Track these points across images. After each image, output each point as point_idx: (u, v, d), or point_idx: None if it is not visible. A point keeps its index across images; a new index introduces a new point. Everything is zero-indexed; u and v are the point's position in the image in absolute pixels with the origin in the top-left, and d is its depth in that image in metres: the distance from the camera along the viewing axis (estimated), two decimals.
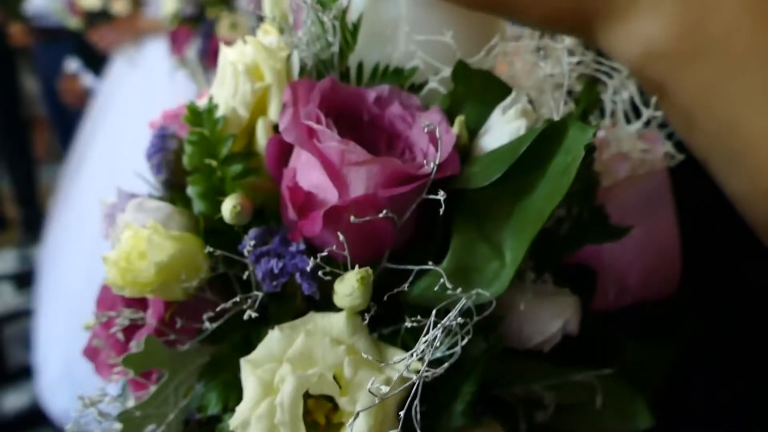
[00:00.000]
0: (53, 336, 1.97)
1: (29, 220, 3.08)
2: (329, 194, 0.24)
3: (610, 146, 0.29)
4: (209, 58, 1.26)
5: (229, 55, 0.28)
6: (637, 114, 0.30)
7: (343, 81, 0.29)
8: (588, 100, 0.26)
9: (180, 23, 1.28)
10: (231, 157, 0.28)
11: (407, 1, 0.29)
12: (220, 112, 0.28)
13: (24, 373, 2.11)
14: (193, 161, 0.29)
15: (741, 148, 0.25)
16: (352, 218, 0.22)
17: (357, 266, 0.23)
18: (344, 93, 0.27)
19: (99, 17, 1.81)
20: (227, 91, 0.28)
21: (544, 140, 0.22)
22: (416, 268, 0.24)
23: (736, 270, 0.33)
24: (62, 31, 2.40)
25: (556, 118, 0.27)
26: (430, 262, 0.23)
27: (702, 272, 0.31)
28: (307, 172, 0.25)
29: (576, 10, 0.26)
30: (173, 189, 0.33)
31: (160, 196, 0.32)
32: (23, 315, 2.46)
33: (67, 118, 2.63)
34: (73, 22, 1.84)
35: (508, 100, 0.25)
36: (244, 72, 0.28)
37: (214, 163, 0.28)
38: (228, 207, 0.25)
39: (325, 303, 0.26)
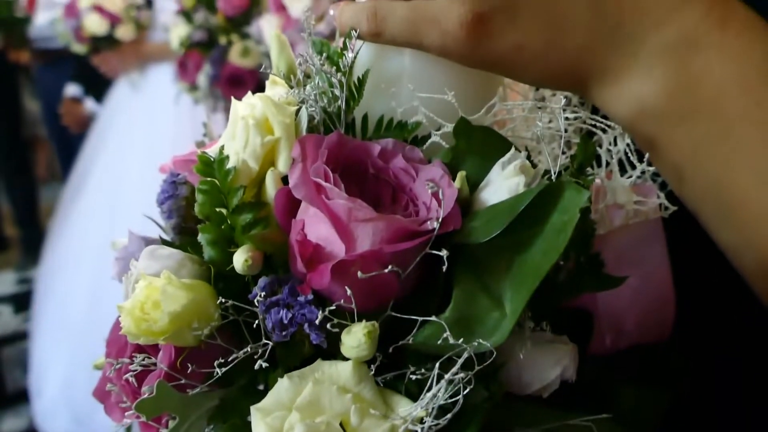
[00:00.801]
0: (51, 359, 1.97)
1: (29, 241, 3.09)
2: (336, 247, 0.25)
3: (606, 196, 0.30)
4: (220, 84, 1.27)
5: (240, 110, 0.30)
6: (632, 164, 0.32)
7: (349, 132, 0.31)
8: (584, 155, 0.28)
9: (189, 49, 1.30)
10: (241, 207, 0.29)
11: (411, 57, 0.31)
12: (230, 164, 0.29)
13: (22, 397, 2.10)
14: (204, 210, 0.30)
15: (730, 203, 0.27)
16: (359, 274, 0.23)
17: (364, 319, 0.24)
18: (350, 146, 0.29)
19: (104, 42, 1.84)
20: (238, 143, 0.29)
21: (542, 199, 0.24)
22: (420, 318, 0.25)
23: (729, 315, 0.34)
24: (64, 53, 2.43)
25: (554, 170, 0.28)
26: (433, 315, 0.24)
27: (696, 317, 0.32)
28: (315, 225, 0.26)
29: (572, 70, 0.28)
30: (184, 234, 0.34)
31: (172, 242, 0.33)
32: (22, 337, 2.45)
33: (68, 139, 2.65)
34: (79, 48, 1.87)
35: (507, 156, 0.27)
36: (255, 126, 0.29)
37: (224, 212, 0.30)
38: (239, 261, 0.26)
39: (331, 347, 0.27)
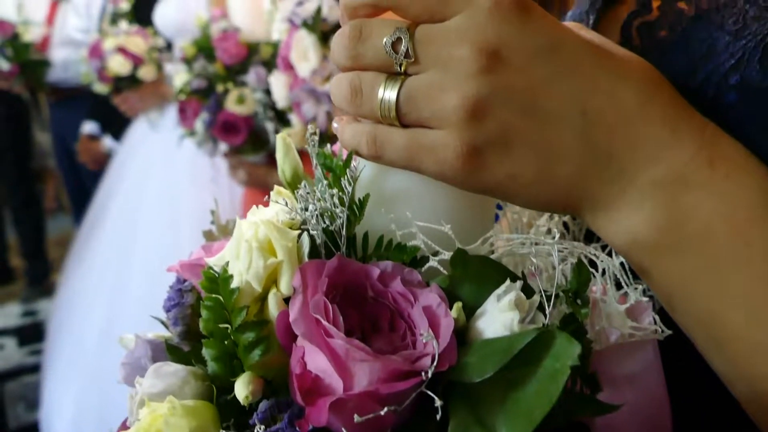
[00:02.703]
0: (63, 393, 1.96)
1: (34, 273, 3.10)
2: (335, 382, 0.26)
3: (601, 314, 0.30)
4: (216, 130, 1.30)
5: (245, 233, 0.31)
6: (628, 270, 0.32)
7: (350, 247, 0.32)
8: (579, 282, 0.28)
9: (189, 95, 1.32)
10: (244, 326, 0.30)
11: (410, 176, 0.32)
12: (235, 283, 0.30)
13: None
14: (208, 326, 0.31)
15: (720, 336, 0.27)
16: (355, 417, 0.24)
17: None
18: (351, 270, 0.30)
19: (126, 82, 1.88)
20: (242, 264, 0.30)
21: (535, 342, 0.24)
22: None
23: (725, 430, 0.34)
24: (76, 90, 2.48)
25: (552, 290, 0.29)
26: None
27: None
28: (314, 355, 0.27)
29: (564, 198, 0.28)
30: (189, 339, 0.34)
31: (177, 347, 0.34)
32: (26, 371, 2.45)
33: (77, 172, 2.68)
34: (102, 87, 1.91)
35: (503, 288, 0.27)
36: (258, 249, 0.30)
37: (228, 328, 0.30)
38: (241, 394, 0.27)
39: None
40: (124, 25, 1.96)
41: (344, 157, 0.34)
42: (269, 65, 1.26)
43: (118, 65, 1.84)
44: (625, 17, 0.36)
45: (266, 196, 1.17)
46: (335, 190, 0.31)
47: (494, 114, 0.27)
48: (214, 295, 0.31)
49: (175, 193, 1.91)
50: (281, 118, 1.15)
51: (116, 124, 2.19)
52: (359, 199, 0.31)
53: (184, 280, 0.36)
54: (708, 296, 0.27)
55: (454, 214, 0.32)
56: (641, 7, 0.35)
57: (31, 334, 2.68)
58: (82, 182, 2.71)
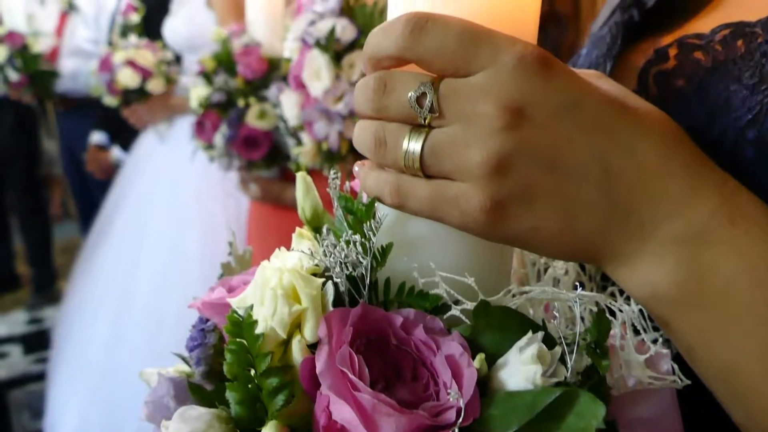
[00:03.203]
0: (67, 402, 1.96)
1: (40, 280, 3.11)
2: None
3: (620, 363, 0.31)
4: (236, 145, 1.30)
5: (270, 279, 0.31)
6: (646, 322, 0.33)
7: (372, 294, 0.32)
8: (598, 332, 0.29)
9: (207, 109, 1.33)
10: (268, 371, 0.30)
11: (431, 222, 0.32)
12: (259, 329, 0.31)
13: None
14: (233, 370, 0.31)
15: (740, 389, 0.28)
16: None
17: None
18: (374, 317, 0.30)
19: (135, 95, 1.89)
20: (267, 310, 0.31)
21: (560, 400, 0.25)
22: None
23: None
24: (84, 100, 2.50)
25: (570, 332, 0.29)
26: None
27: None
28: (340, 407, 0.27)
29: (586, 250, 0.29)
30: (212, 379, 0.35)
31: (200, 388, 0.35)
32: (31, 379, 2.46)
33: (84, 180, 2.70)
34: (111, 100, 1.92)
35: (525, 339, 0.28)
36: (283, 297, 0.30)
37: (251, 371, 0.31)
38: None
39: None
40: (133, 38, 1.98)
41: (364, 199, 0.34)
42: None
43: (127, 78, 1.85)
44: (642, 65, 0.36)
45: (274, 212, 1.16)
46: (358, 237, 0.32)
47: (517, 169, 0.27)
48: (238, 339, 0.32)
49: (181, 205, 1.92)
50: (291, 136, 1.16)
51: (124, 135, 2.20)
52: (382, 246, 0.32)
53: (207, 320, 0.36)
54: (728, 350, 0.27)
55: (474, 260, 0.32)
56: (658, 55, 0.36)
57: (37, 341, 2.68)
58: (89, 190, 2.73)
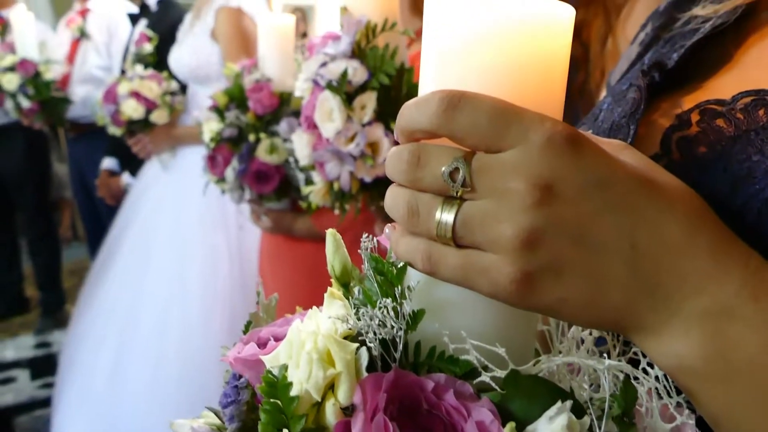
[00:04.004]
0: (72, 428, 1.96)
1: (49, 304, 3.12)
2: None
3: (645, 429, 0.32)
4: (247, 179, 1.32)
5: (305, 343, 0.32)
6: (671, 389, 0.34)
7: (403, 357, 0.33)
8: (626, 400, 0.30)
9: (219, 143, 1.35)
10: None
11: (458, 288, 0.33)
12: (294, 391, 0.32)
13: None
14: (267, 430, 0.32)
15: None
16: None
17: None
18: (406, 382, 0.31)
19: (139, 125, 1.92)
20: (302, 374, 0.32)
21: None
22: None
23: None
24: (95, 125, 2.53)
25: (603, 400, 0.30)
26: None
27: None
28: None
29: (613, 322, 0.30)
30: None
31: None
32: (38, 405, 2.45)
33: (93, 204, 2.72)
34: (115, 130, 1.95)
35: (554, 409, 0.29)
36: (318, 361, 0.31)
37: None
38: None
39: None
40: (139, 68, 2.01)
41: (393, 257, 0.36)
42: (300, 115, 1.30)
43: (131, 109, 1.88)
44: (665, 130, 0.37)
45: (285, 243, 1.17)
46: (389, 301, 0.33)
47: (547, 244, 0.29)
48: (272, 400, 0.33)
49: (184, 234, 1.95)
50: (301, 171, 1.18)
51: (135, 161, 2.23)
52: (413, 311, 0.33)
53: (240, 376, 0.37)
54: (754, 422, 0.28)
55: (502, 323, 0.33)
56: (681, 121, 0.37)
57: (44, 366, 2.68)
58: (98, 213, 2.75)
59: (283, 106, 1.32)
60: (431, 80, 0.33)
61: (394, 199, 0.33)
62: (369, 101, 0.89)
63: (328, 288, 0.37)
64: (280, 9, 1.41)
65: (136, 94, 1.86)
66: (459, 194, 0.30)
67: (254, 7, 1.87)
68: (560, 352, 0.35)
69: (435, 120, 0.30)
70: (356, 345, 0.32)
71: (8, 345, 2.96)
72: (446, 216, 0.30)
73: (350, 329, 0.33)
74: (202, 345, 1.86)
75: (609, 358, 0.34)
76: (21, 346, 2.95)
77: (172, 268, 1.92)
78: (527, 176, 0.28)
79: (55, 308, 3.13)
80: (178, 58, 1.94)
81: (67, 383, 2.04)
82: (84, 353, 2.04)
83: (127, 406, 1.88)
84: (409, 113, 0.32)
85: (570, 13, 0.31)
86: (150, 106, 1.88)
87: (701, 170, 0.34)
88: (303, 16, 5.22)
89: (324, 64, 0.91)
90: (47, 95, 2.42)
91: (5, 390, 2.59)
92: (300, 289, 1.49)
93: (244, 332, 0.42)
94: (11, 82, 2.39)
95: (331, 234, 0.41)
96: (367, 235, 0.36)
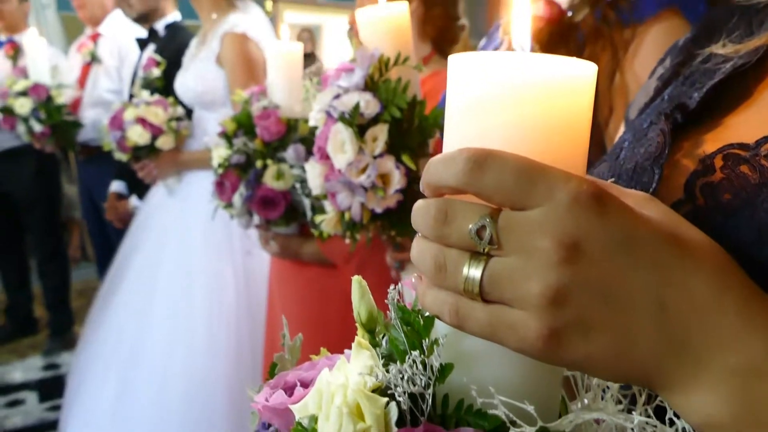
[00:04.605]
0: None
1: (57, 324, 3.12)
2: None
3: None
4: (254, 204, 1.33)
5: (335, 396, 0.33)
6: None
7: (431, 407, 0.34)
8: None
9: (227, 170, 1.36)
10: None
11: (485, 341, 0.34)
12: None
13: None
14: None
15: None
16: None
17: None
18: None
19: (144, 151, 1.94)
20: (332, 427, 0.33)
21: None
22: None
23: None
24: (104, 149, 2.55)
25: None
26: None
27: None
28: None
29: (642, 377, 0.30)
30: None
31: None
32: (46, 428, 2.45)
33: (103, 225, 2.74)
34: (121, 156, 1.97)
35: None
36: (348, 414, 0.32)
37: None
38: None
39: None
40: (146, 94, 2.03)
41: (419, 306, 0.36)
42: (307, 141, 1.31)
43: (137, 136, 1.89)
44: (689, 176, 0.38)
45: (293, 267, 1.18)
46: (417, 353, 0.34)
47: (574, 301, 0.29)
48: None
49: (189, 258, 1.96)
50: (307, 196, 1.19)
51: (143, 184, 2.24)
52: (441, 365, 0.33)
53: (269, 425, 0.38)
54: None
55: (528, 375, 0.34)
56: (704, 166, 0.37)
57: (53, 388, 2.68)
58: (107, 234, 2.76)
59: (290, 133, 1.34)
60: (456, 136, 0.33)
61: (421, 252, 0.33)
62: (381, 133, 0.90)
63: (356, 338, 0.38)
64: (288, 34, 1.43)
65: (142, 120, 1.88)
66: (486, 251, 0.31)
67: (260, 33, 1.89)
68: (585, 401, 0.36)
69: (462, 178, 0.31)
70: (386, 399, 0.33)
71: (17, 367, 2.96)
72: (473, 272, 0.31)
73: (379, 382, 0.34)
74: (208, 367, 1.87)
75: (635, 404, 0.35)
76: (29, 368, 2.95)
77: (178, 293, 1.92)
78: (554, 234, 0.29)
79: (64, 329, 3.13)
80: (184, 83, 1.95)
81: (74, 406, 2.04)
82: (91, 377, 2.04)
83: (134, 428, 1.88)
84: (435, 170, 0.32)
85: (592, 70, 0.32)
86: (156, 132, 1.89)
87: (726, 218, 0.35)
88: (310, 36, 5.29)
89: (337, 96, 0.93)
90: (59, 119, 2.45)
91: (14, 413, 2.59)
92: (309, 311, 1.50)
93: (270, 375, 0.43)
94: (24, 106, 2.42)
95: (356, 281, 0.41)
96: (394, 286, 0.37)
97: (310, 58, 4.92)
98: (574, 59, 0.33)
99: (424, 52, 1.54)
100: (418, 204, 0.33)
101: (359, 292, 0.41)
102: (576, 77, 0.31)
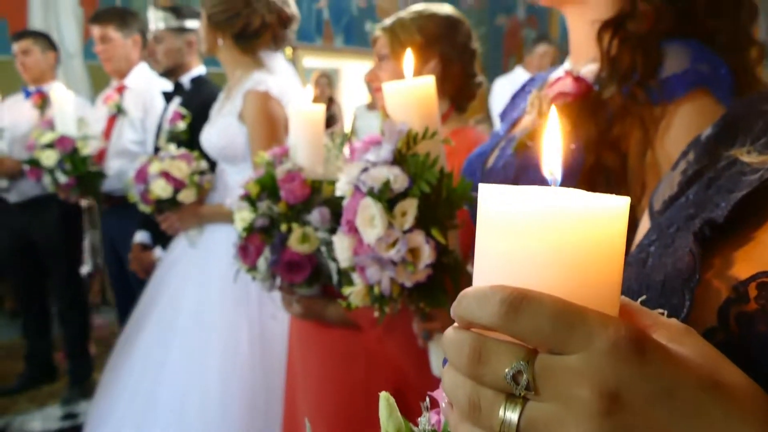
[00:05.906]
0: None
1: (77, 372, 3.12)
2: None
3: None
4: (279, 269, 1.32)
5: None
6: None
7: None
8: None
9: (251, 233, 1.36)
10: None
11: None
12: None
13: None
14: None
15: None
16: None
17: None
18: None
19: (167, 204, 1.96)
20: None
21: None
22: None
23: None
24: (127, 198, 2.59)
25: None
26: None
27: None
28: None
29: None
30: None
31: None
32: None
33: (125, 274, 2.75)
34: (145, 208, 1.99)
35: None
36: None
37: None
38: None
39: None
40: (172, 148, 2.06)
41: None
42: (330, 203, 1.30)
43: (160, 189, 1.92)
44: (722, 304, 0.37)
45: (315, 329, 1.17)
46: None
47: None
48: None
49: (206, 310, 1.97)
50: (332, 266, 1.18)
51: (167, 235, 2.26)
52: None
53: None
54: None
55: None
56: (737, 294, 0.36)
57: None
58: (128, 282, 2.77)
59: (314, 195, 1.33)
60: (487, 269, 0.32)
61: (454, 387, 0.32)
62: (410, 208, 0.90)
63: None
64: (311, 96, 1.44)
65: (165, 174, 1.91)
66: (522, 395, 0.30)
67: (283, 91, 1.92)
68: None
69: (497, 321, 0.30)
70: None
71: (36, 416, 2.95)
72: (510, 415, 0.30)
73: None
74: (221, 424, 1.85)
75: None
76: (48, 418, 2.93)
77: (194, 345, 1.92)
78: (593, 384, 0.28)
79: (83, 377, 3.12)
80: (208, 137, 1.99)
81: None
82: (108, 427, 2.03)
83: None
84: (468, 306, 0.31)
85: (625, 203, 0.31)
86: (178, 185, 1.92)
87: (762, 349, 0.34)
88: (329, 81, 5.37)
89: (365, 170, 0.93)
90: (84, 170, 2.49)
91: None
92: (332, 371, 1.47)
93: None
94: (50, 158, 2.47)
95: (384, 398, 0.40)
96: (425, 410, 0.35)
97: (328, 101, 4.99)
98: (604, 195, 0.32)
99: (442, 109, 1.55)
100: (451, 336, 0.32)
101: (387, 411, 0.40)
102: (611, 208, 0.31)
